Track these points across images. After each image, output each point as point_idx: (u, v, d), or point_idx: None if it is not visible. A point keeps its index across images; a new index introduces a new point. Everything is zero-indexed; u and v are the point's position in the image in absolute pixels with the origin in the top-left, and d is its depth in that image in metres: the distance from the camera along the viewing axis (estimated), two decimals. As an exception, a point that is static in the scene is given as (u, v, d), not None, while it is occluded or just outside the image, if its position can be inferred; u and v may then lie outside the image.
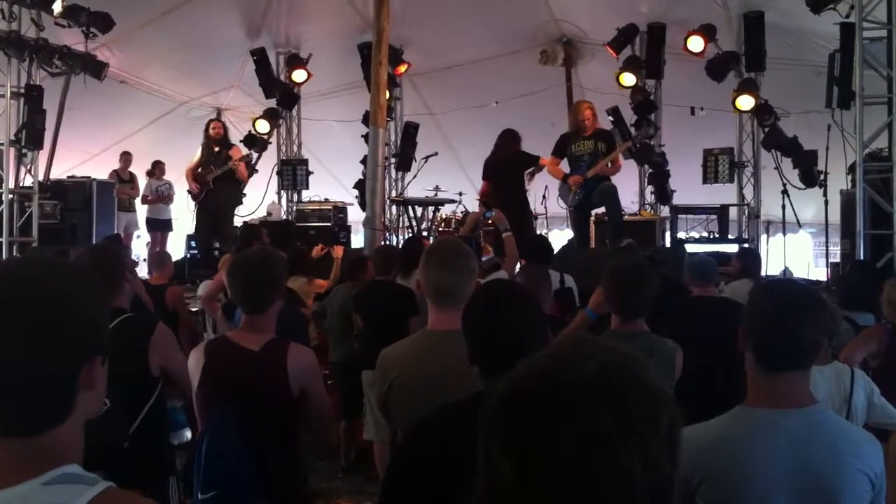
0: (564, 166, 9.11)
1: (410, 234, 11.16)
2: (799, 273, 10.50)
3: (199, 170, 10.12)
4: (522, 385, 1.04)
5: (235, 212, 11.24)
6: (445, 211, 11.45)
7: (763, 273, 8.06)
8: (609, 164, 8.80)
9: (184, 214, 12.21)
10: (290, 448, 3.02)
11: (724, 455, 1.99)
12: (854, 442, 1.99)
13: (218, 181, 9.92)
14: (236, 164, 9.92)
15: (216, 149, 10.06)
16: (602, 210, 9.53)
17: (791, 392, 2.02)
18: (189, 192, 10.68)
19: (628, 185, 11.67)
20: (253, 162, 11.10)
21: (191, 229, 11.46)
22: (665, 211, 11.37)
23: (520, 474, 0.97)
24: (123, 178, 12.45)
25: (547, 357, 1.07)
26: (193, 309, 7.28)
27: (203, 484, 2.81)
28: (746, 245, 10.18)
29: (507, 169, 9.02)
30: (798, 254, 12.39)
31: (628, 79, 11.19)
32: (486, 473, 1.02)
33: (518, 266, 5.71)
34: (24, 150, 10.24)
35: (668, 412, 1.02)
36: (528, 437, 0.98)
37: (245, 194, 12.61)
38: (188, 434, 4.38)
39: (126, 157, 12.67)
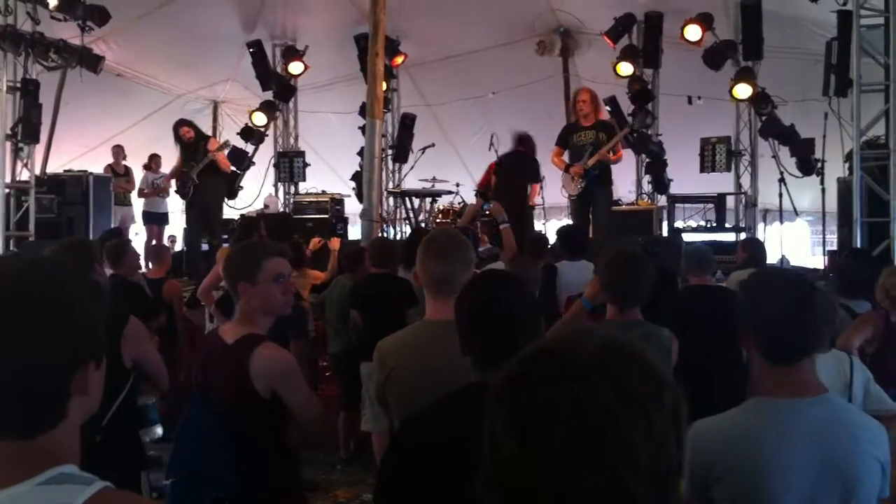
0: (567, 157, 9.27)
1: (411, 227, 11.15)
2: (796, 261, 10.50)
3: (184, 169, 10.16)
4: (525, 366, 1.05)
5: (224, 203, 11.21)
6: (443, 202, 11.44)
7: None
8: (611, 154, 8.94)
9: (180, 208, 12.17)
10: (261, 445, 2.83)
11: (749, 446, 1.98)
12: (870, 430, 2.02)
13: (201, 175, 9.94)
14: (215, 153, 9.93)
15: (192, 149, 10.08)
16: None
17: (806, 380, 2.04)
18: (176, 191, 10.67)
19: (625, 175, 11.68)
20: (231, 147, 11.11)
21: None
22: (662, 200, 11.36)
23: (523, 450, 0.98)
24: (118, 171, 12.33)
25: (549, 340, 1.09)
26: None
27: (166, 469, 2.86)
28: (746, 234, 10.17)
29: (515, 169, 9.24)
30: (795, 242, 12.38)
31: (625, 68, 11.15)
32: (492, 454, 1.02)
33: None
34: (20, 145, 10.22)
35: (672, 392, 1.03)
36: (532, 412, 0.99)
37: (242, 187, 12.64)
38: (159, 431, 4.39)
39: (117, 151, 12.51)
